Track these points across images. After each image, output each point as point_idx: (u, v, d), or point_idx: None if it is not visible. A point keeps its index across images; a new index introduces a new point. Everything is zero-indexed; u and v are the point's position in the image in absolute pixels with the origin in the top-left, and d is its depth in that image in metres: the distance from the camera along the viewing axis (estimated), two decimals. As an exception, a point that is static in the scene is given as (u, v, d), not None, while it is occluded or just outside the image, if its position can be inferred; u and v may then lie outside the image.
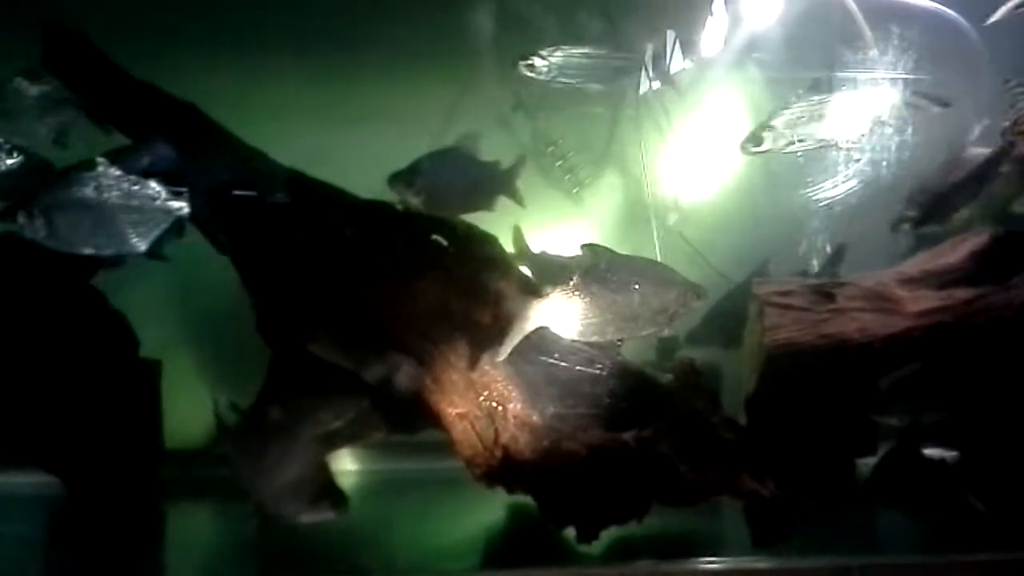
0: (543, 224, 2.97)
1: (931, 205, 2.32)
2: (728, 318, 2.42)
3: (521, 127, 3.05)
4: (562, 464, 2.00)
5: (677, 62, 2.90)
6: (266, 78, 2.97)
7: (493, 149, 2.94)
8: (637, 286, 2.17)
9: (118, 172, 1.95)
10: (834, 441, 2.14)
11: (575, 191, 3.07)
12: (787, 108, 2.27)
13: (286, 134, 2.86)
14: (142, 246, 2.00)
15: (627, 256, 2.24)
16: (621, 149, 3.13)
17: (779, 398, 2.10)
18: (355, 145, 2.93)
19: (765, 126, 2.26)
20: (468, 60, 3.01)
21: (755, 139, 2.27)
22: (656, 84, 2.93)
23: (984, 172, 2.37)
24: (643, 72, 2.91)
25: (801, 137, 2.24)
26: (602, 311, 2.13)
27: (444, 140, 2.96)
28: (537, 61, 2.35)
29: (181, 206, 2.01)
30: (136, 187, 1.94)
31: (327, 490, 1.94)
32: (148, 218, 1.97)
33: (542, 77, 2.36)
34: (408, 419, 2.32)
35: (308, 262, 2.15)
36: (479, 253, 2.34)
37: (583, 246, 2.27)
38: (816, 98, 2.27)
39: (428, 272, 2.26)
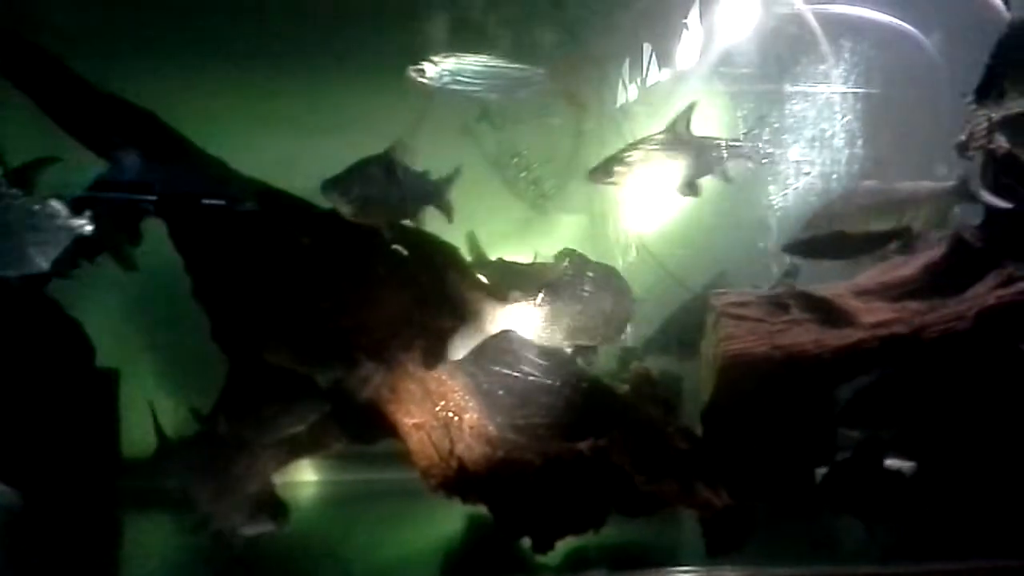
0: (508, 233, 2.99)
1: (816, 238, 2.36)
2: (683, 329, 2.44)
3: (487, 137, 3.07)
4: (517, 474, 2.00)
5: (653, 74, 2.96)
6: (234, 88, 2.97)
7: (458, 159, 2.97)
8: (603, 295, 2.22)
9: (17, 191, 1.92)
10: (789, 450, 2.15)
11: (539, 201, 3.08)
12: (636, 145, 2.30)
13: (255, 144, 2.87)
14: (44, 264, 1.97)
15: (596, 264, 2.28)
16: (586, 160, 3.15)
17: (733, 408, 2.11)
18: (323, 155, 2.92)
19: (617, 160, 2.28)
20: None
21: (605, 171, 2.30)
22: (632, 95, 3.00)
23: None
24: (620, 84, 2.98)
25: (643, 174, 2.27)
26: (572, 317, 2.16)
27: (411, 149, 2.99)
28: (428, 67, 2.34)
29: (82, 223, 1.97)
30: (38, 206, 1.92)
31: (268, 502, 1.92)
32: (50, 237, 1.95)
33: (433, 83, 2.33)
34: (367, 429, 2.32)
35: (263, 270, 2.14)
36: (438, 262, 2.35)
37: (559, 252, 2.31)
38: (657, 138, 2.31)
39: (386, 281, 2.26)
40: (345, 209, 2.09)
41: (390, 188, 2.16)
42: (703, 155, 2.29)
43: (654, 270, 3.05)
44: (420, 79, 2.33)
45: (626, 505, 2.11)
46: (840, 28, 2.67)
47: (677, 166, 2.28)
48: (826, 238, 2.28)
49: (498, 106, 3.00)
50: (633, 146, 2.29)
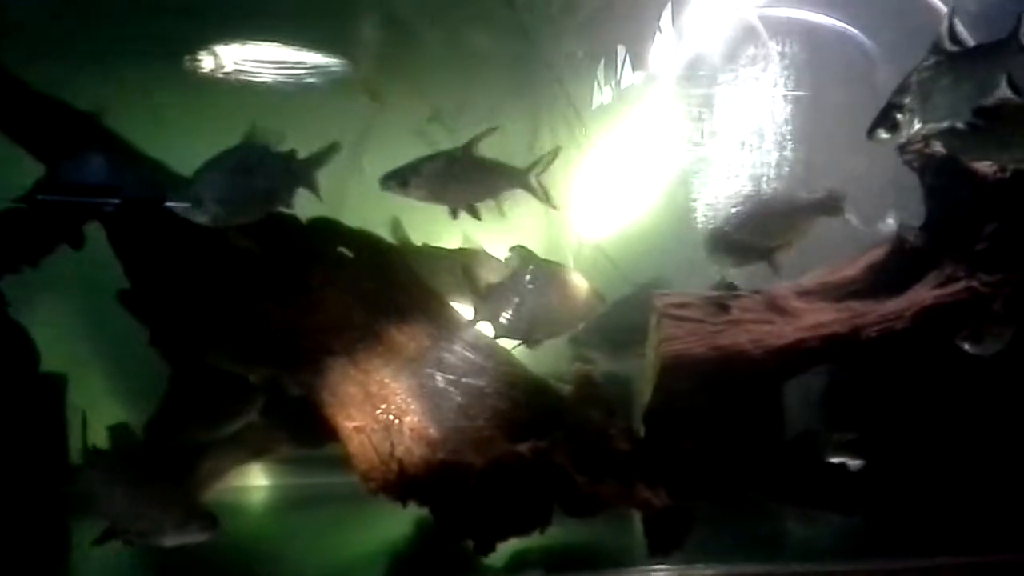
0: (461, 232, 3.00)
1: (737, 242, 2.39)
2: (613, 327, 2.45)
3: (441, 138, 3.07)
4: (457, 476, 2.00)
5: (628, 75, 2.98)
6: (179, 89, 2.95)
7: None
8: (552, 291, 2.23)
9: None
10: (728, 448, 2.16)
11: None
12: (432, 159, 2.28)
13: (201, 147, 2.85)
14: None
15: (548, 261, 2.29)
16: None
17: (673, 409, 2.12)
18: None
19: (411, 170, 2.24)
20: (384, 70, 3.01)
21: (397, 180, 2.25)
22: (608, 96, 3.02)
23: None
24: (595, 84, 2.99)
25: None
26: (524, 313, 2.17)
27: (361, 152, 2.98)
28: (204, 57, 2.29)
29: None
30: None
31: (196, 511, 1.91)
32: None
33: (210, 73, 2.28)
34: (313, 433, 2.32)
35: (203, 273, 2.14)
36: (385, 264, 2.35)
37: (511, 248, 2.32)
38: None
39: (330, 284, 2.26)
40: (202, 219, 2.01)
41: (258, 176, 2.10)
42: (486, 180, 2.29)
43: (609, 271, 3.07)
44: (199, 69, 2.25)
45: (569, 506, 2.12)
46: (777, 30, 2.70)
47: (462, 187, 2.27)
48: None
49: (451, 108, 3.02)
50: (429, 159, 2.26)
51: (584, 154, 3.08)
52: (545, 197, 2.32)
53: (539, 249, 3.05)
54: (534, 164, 2.32)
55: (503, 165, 2.32)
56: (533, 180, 2.31)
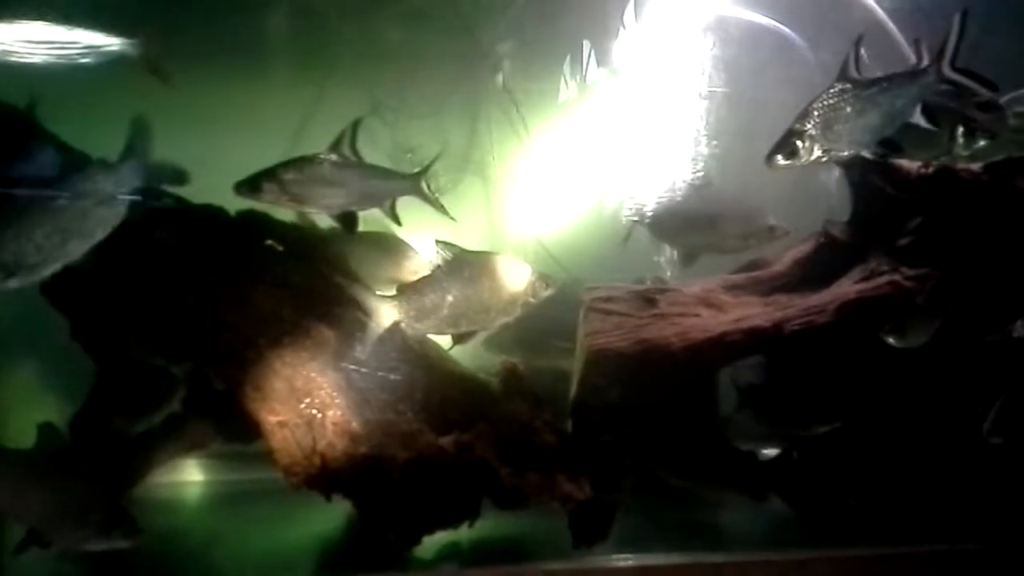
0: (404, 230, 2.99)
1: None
2: (524, 328, 2.44)
3: (381, 133, 3.06)
4: (380, 470, 2.00)
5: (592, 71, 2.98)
6: (115, 83, 2.91)
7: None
8: (482, 283, 2.22)
9: None
10: (654, 441, 2.19)
11: (435, 197, 3.08)
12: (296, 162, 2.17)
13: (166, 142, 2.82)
14: None
15: (476, 251, 2.27)
16: (483, 156, 3.16)
17: (599, 402, 2.13)
18: (209, 151, 2.89)
19: (268, 175, 2.15)
20: (325, 64, 3.00)
21: (251, 186, 2.15)
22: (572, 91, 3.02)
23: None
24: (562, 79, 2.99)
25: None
26: (454, 304, 2.16)
27: (300, 145, 2.96)
28: None
29: None
30: None
31: (118, 516, 1.89)
32: None
33: None
34: (243, 428, 2.30)
35: (126, 265, 2.11)
36: (315, 257, 2.35)
37: (436, 242, 2.31)
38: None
39: (257, 278, 2.25)
40: None
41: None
42: (364, 185, 2.22)
43: (552, 268, 3.08)
44: None
45: (495, 499, 2.14)
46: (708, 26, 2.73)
47: (334, 192, 2.18)
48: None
49: (390, 101, 3.01)
50: (293, 163, 2.17)
51: (525, 149, 3.10)
52: (438, 205, 2.27)
53: (481, 244, 3.11)
54: (424, 169, 2.28)
55: (386, 170, 2.26)
56: (424, 186, 2.26)
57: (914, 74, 1.99)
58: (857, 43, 1.99)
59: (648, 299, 2.27)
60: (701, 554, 1.95)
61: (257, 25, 3.00)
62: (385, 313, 2.14)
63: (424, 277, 2.18)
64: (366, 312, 2.21)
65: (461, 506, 2.11)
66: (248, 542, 2.36)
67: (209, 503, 2.73)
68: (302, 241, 2.36)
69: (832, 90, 1.98)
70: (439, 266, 2.18)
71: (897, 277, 2.23)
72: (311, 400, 2.07)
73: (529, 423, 2.09)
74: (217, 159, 2.84)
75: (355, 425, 2.04)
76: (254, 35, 3.00)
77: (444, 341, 2.45)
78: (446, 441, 2.02)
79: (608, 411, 2.13)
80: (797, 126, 1.95)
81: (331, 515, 2.23)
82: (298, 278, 2.30)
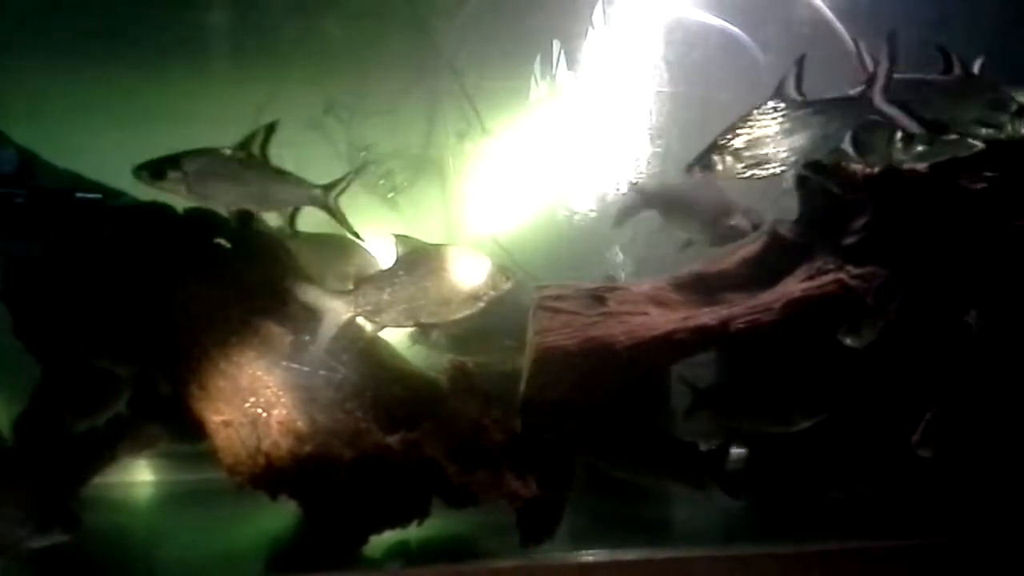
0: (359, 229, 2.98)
1: None
2: (463, 329, 2.44)
3: (335, 130, 3.05)
4: (325, 469, 1.99)
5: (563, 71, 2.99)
6: (69, 80, 2.88)
7: (305, 153, 2.95)
8: (440, 274, 2.21)
9: None
10: (601, 440, 2.20)
11: (390, 196, 3.08)
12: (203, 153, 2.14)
13: (89, 136, 2.78)
14: None
15: (436, 244, 2.26)
16: (439, 154, 3.16)
17: (545, 400, 2.14)
18: (161, 148, 2.86)
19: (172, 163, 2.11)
20: (279, 61, 2.98)
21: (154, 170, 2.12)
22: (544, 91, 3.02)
23: None
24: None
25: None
26: (413, 297, 2.16)
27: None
28: None
29: None
30: None
31: (57, 512, 1.87)
32: None
33: None
34: (189, 428, 2.28)
35: (70, 264, 2.09)
36: (264, 255, 2.33)
37: (393, 236, 2.30)
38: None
39: (204, 276, 2.23)
40: None
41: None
42: (266, 188, 2.20)
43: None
44: None
45: (445, 497, 2.13)
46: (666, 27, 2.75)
47: (236, 189, 2.17)
48: None
49: (345, 99, 3.00)
50: (198, 154, 2.15)
51: (481, 148, 3.10)
52: (344, 221, 2.25)
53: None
54: (336, 183, 2.26)
55: (291, 176, 2.24)
56: (332, 200, 2.23)
57: (848, 101, 1.99)
58: (799, 62, 1.98)
59: (597, 298, 2.28)
60: (646, 551, 1.96)
61: (210, 23, 2.98)
62: (335, 310, 2.14)
63: (382, 271, 2.18)
64: (316, 310, 2.21)
65: (410, 505, 2.11)
66: (197, 541, 2.33)
67: (161, 503, 2.71)
68: (251, 239, 2.35)
69: (763, 107, 1.97)
70: (398, 259, 2.18)
71: (842, 276, 2.25)
72: (256, 399, 2.06)
73: (478, 421, 2.09)
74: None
75: (301, 424, 2.02)
76: (206, 33, 2.98)
77: (397, 339, 2.47)
78: (393, 440, 2.01)
79: (556, 409, 2.13)
80: (721, 140, 1.94)
81: (284, 514, 2.22)
82: (247, 276, 2.28)
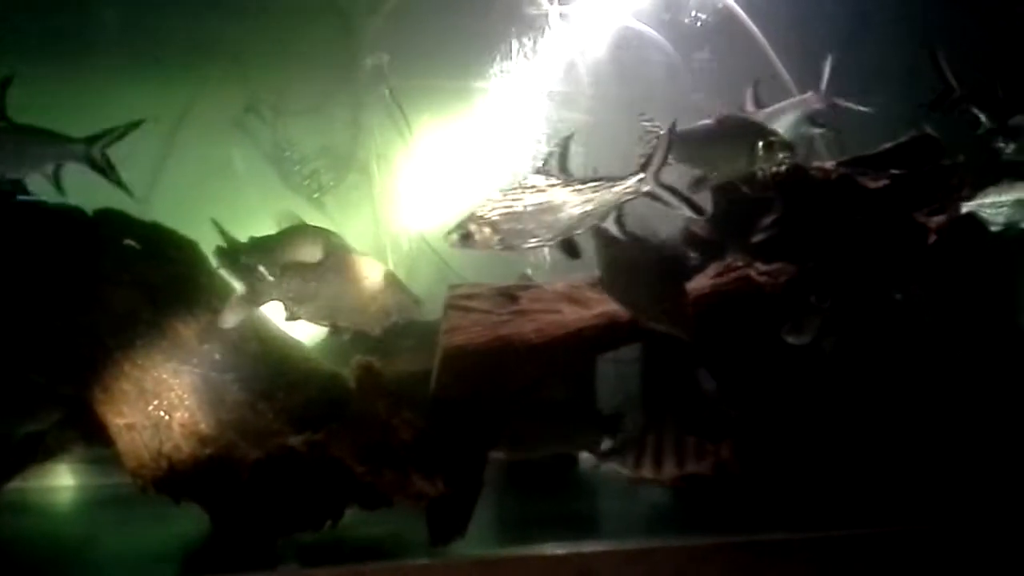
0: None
1: None
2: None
3: (259, 129, 3.03)
4: (228, 472, 1.98)
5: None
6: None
7: (228, 151, 2.94)
8: (367, 283, 2.22)
9: None
10: (511, 436, 2.21)
11: (316, 196, 3.07)
12: None
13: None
14: None
15: (365, 255, 2.27)
16: (366, 153, 3.15)
17: (454, 398, 2.14)
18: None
19: None
20: (201, 60, 2.96)
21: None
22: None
23: None
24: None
25: None
26: (333, 297, 2.16)
27: (176, 142, 2.92)
28: None
29: None
30: None
31: None
32: None
33: None
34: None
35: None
36: (174, 258, 2.31)
37: (327, 233, 2.31)
38: None
39: (112, 277, 2.21)
40: None
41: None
42: (21, 149, 2.14)
43: (439, 267, 3.09)
44: None
45: (358, 499, 2.13)
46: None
47: None
48: None
49: (269, 98, 2.98)
50: None
51: (409, 147, 3.10)
52: (113, 175, 2.18)
53: (365, 241, 3.10)
54: (100, 135, 2.20)
55: (45, 132, 2.15)
56: (96, 154, 2.17)
57: (615, 181, 1.99)
58: (565, 141, 1.99)
59: (509, 296, 2.28)
60: (543, 546, 1.97)
61: (132, 21, 2.95)
62: (255, 291, 2.14)
63: (311, 263, 2.18)
64: (228, 311, 2.20)
65: (320, 507, 2.10)
66: (108, 545, 2.31)
67: (79, 507, 2.68)
68: (162, 240, 2.32)
69: (526, 181, 1.97)
70: (328, 257, 2.18)
71: (750, 272, 2.29)
72: (160, 402, 2.04)
73: (386, 421, 2.09)
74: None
75: (203, 426, 2.01)
76: (129, 31, 2.95)
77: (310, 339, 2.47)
78: (296, 441, 2.00)
79: (465, 407, 2.13)
80: (479, 211, 1.92)
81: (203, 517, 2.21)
82: (157, 277, 2.26)
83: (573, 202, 1.96)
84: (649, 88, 2.71)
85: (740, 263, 2.34)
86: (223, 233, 2.36)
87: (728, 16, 2.68)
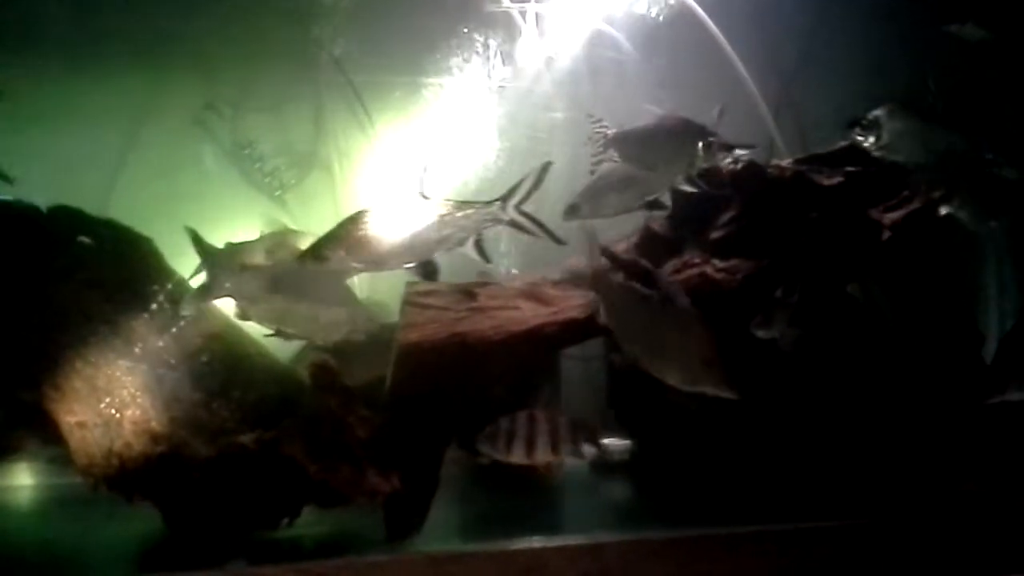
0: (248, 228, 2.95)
1: None
2: None
3: (220, 127, 3.01)
4: (179, 470, 1.96)
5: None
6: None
7: (191, 150, 2.92)
8: (322, 293, 2.22)
9: None
10: (464, 433, 2.21)
11: (277, 194, 3.05)
12: None
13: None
14: None
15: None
16: (328, 150, 3.14)
17: (411, 395, 2.13)
18: (39, 145, 2.80)
19: None
20: (161, 57, 2.93)
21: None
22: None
23: None
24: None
25: None
26: (286, 301, 2.16)
27: (136, 139, 2.90)
28: None
29: None
30: None
31: None
32: None
33: None
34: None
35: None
36: (128, 255, 2.29)
37: (296, 233, 2.30)
38: None
39: (66, 275, 2.19)
40: None
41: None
42: None
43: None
44: None
45: (314, 497, 2.12)
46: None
47: None
48: None
49: (228, 95, 2.96)
50: None
51: (370, 143, 3.09)
52: None
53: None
54: None
55: None
56: None
57: (476, 207, 2.06)
58: (427, 165, 2.06)
59: (468, 293, 2.28)
60: (497, 542, 1.96)
61: (90, 17, 2.92)
62: (212, 287, 2.13)
63: (269, 265, 2.18)
64: (185, 308, 2.19)
65: (275, 506, 2.09)
66: (64, 544, 2.28)
67: (33, 506, 2.64)
68: (117, 238, 2.31)
69: (385, 204, 2.03)
70: (289, 261, 2.18)
71: (707, 269, 2.30)
72: (111, 400, 2.02)
73: (341, 418, 2.08)
74: (48, 155, 2.78)
75: (155, 424, 1.99)
76: (86, 28, 2.91)
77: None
78: (247, 439, 1.99)
79: (421, 403, 2.12)
80: (340, 232, 1.99)
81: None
82: (111, 275, 2.25)
83: (432, 225, 2.01)
84: (604, 86, 2.71)
85: (697, 259, 2.36)
86: (197, 239, 2.37)
87: (687, 14, 2.69)
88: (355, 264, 1.99)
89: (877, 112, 2.32)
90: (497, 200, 2.05)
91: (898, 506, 2.11)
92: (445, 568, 1.79)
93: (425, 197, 2.03)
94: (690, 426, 2.45)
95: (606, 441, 2.82)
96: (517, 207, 2.03)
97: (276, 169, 3.04)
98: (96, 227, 2.31)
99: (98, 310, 2.18)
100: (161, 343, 2.18)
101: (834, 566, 1.92)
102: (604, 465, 2.78)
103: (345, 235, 1.99)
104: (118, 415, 2.00)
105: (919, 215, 2.29)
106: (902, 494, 2.18)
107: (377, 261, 2.02)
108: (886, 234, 2.25)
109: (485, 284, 2.37)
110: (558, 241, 2.09)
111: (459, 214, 2.03)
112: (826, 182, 2.30)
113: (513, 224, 2.04)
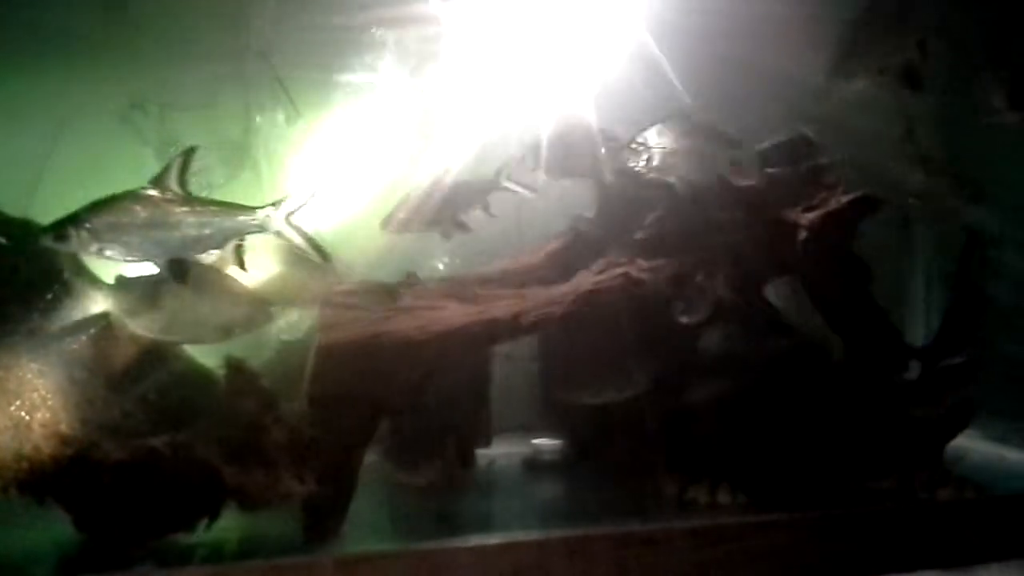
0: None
1: None
2: None
3: (147, 125, 2.95)
4: (89, 473, 1.93)
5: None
6: None
7: (120, 147, 2.85)
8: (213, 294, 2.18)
9: None
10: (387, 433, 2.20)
11: (205, 193, 2.99)
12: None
13: None
14: None
15: (208, 265, 2.19)
16: (258, 149, 3.09)
17: (329, 396, 2.12)
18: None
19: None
20: (85, 55, 2.87)
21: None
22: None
23: None
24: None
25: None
26: (170, 309, 2.12)
27: (60, 138, 2.83)
28: None
29: None
30: None
31: None
32: None
33: None
34: None
35: None
36: (45, 256, 2.24)
37: None
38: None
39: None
40: None
41: None
42: None
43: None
44: None
45: (235, 499, 2.09)
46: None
47: None
48: None
49: (155, 92, 2.90)
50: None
51: (297, 141, 3.05)
52: None
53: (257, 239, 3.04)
54: None
55: None
56: None
57: (242, 211, 2.02)
58: (186, 154, 1.99)
59: (391, 293, 2.28)
60: (438, 541, 1.96)
61: (13, 14, 2.84)
62: (90, 301, 2.09)
63: (146, 276, 2.13)
64: (93, 309, 2.15)
65: (190, 509, 2.06)
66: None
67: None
68: (32, 236, 2.25)
69: (139, 192, 1.95)
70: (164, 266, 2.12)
71: (631, 269, 2.32)
72: (21, 402, 1.98)
73: (257, 421, 2.06)
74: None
75: (64, 427, 1.95)
76: (10, 24, 2.84)
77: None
78: (159, 442, 1.96)
79: (340, 405, 2.11)
80: (82, 214, 1.89)
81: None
82: (26, 274, 2.20)
83: (189, 223, 1.94)
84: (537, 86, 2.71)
85: (623, 260, 2.38)
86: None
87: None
88: (97, 250, 1.89)
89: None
90: (268, 206, 2.00)
91: (812, 502, 2.14)
92: (355, 570, 1.77)
93: (189, 194, 1.96)
94: (609, 425, 2.47)
95: (540, 441, 2.86)
96: (287, 218, 1.99)
97: (204, 168, 2.98)
98: (10, 227, 2.25)
99: (12, 310, 2.13)
100: (75, 344, 2.13)
101: (746, 562, 1.95)
102: (535, 464, 2.79)
103: (89, 217, 1.88)
104: (27, 417, 1.95)
105: (836, 215, 2.33)
106: (817, 491, 2.21)
107: (126, 250, 1.92)
108: (802, 235, 2.29)
109: (411, 284, 2.37)
110: (327, 258, 2.08)
111: (222, 216, 1.97)
112: (742, 183, 2.33)
113: (279, 235, 2.00)
